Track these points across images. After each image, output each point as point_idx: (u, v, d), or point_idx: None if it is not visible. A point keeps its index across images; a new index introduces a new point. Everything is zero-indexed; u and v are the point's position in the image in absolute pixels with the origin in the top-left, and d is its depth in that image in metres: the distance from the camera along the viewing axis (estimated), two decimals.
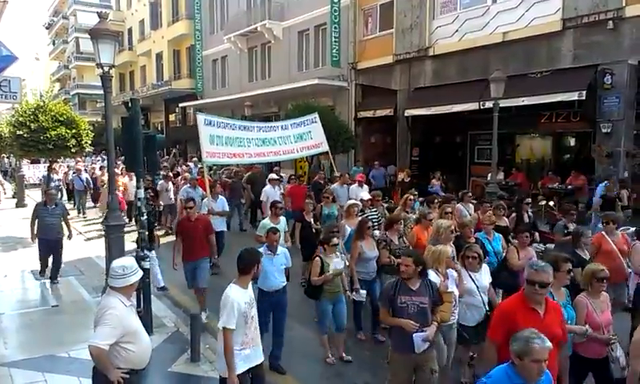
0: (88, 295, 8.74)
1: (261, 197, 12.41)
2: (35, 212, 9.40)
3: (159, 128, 38.63)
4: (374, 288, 6.98)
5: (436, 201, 9.33)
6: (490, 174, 13.72)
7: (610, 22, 12.48)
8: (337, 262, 6.34)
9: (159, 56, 37.53)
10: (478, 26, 15.73)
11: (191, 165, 21.29)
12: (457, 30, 16.41)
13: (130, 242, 8.72)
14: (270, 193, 12.02)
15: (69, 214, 9.88)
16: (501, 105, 12.35)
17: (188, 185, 12.33)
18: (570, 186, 14.37)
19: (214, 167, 16.31)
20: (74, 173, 18.16)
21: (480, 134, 17.98)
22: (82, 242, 13.91)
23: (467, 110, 15.52)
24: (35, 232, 9.35)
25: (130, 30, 42.81)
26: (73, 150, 13.68)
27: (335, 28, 20.79)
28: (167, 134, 35.35)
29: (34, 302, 8.68)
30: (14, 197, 20.34)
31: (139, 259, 6.69)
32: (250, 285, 4.65)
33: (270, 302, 6.16)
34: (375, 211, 9.06)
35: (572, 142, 17.14)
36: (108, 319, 3.90)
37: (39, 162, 21.48)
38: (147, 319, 6.82)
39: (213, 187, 10.74)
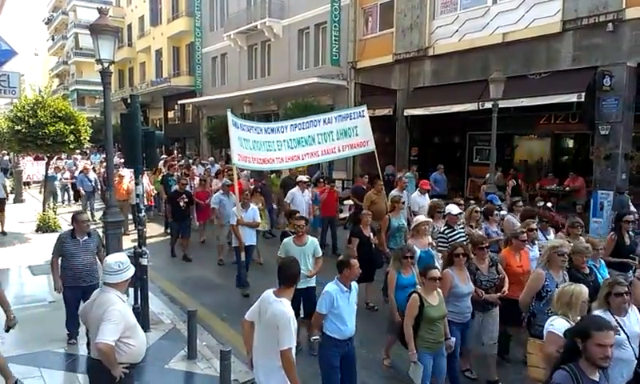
0: None
1: (286, 198, 11.69)
2: (59, 246, 6.38)
3: (158, 125, 38.63)
4: (467, 334, 5.63)
5: (495, 212, 8.25)
6: (488, 175, 13.74)
7: (610, 24, 12.50)
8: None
9: (159, 53, 37.50)
10: (478, 26, 15.74)
11: (207, 164, 20.72)
12: (457, 31, 16.42)
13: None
14: (297, 196, 11.38)
15: (104, 247, 6.95)
16: (500, 106, 12.36)
17: (221, 191, 11.18)
18: (567, 188, 14.43)
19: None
20: (80, 172, 17.53)
21: (479, 134, 18.00)
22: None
23: (466, 110, 15.54)
24: (60, 276, 6.43)
25: (129, 27, 42.76)
26: (71, 146, 13.62)
27: (335, 27, 20.79)
28: (166, 131, 35.33)
29: (31, 297, 8.65)
30: (11, 192, 20.31)
31: (138, 256, 6.71)
32: None
33: (341, 353, 4.88)
34: (463, 229, 7.45)
35: (570, 143, 17.17)
36: (111, 316, 3.92)
37: (43, 159, 20.94)
38: (144, 316, 6.83)
39: (244, 195, 9.63)
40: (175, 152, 31.66)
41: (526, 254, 6.31)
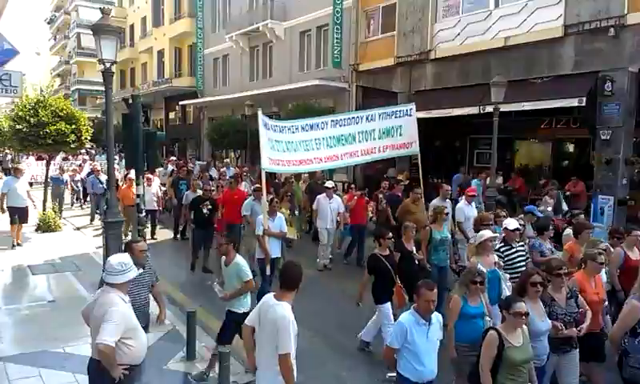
0: (85, 291, 8.71)
1: (314, 205, 11.33)
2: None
3: (159, 126, 38.67)
4: (542, 378, 4.67)
5: (551, 227, 7.40)
6: (488, 179, 13.71)
7: (612, 29, 12.47)
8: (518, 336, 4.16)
9: (160, 53, 37.54)
10: (479, 30, 15.72)
11: (222, 167, 20.17)
12: (458, 34, 16.41)
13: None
14: (323, 203, 10.99)
15: (157, 280, 5.76)
16: (501, 110, 12.34)
17: (252, 197, 10.20)
18: (568, 193, 14.41)
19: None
20: (89, 173, 17.20)
21: (480, 138, 17.98)
22: (79, 236, 13.92)
23: (467, 114, 15.52)
24: None
25: (131, 27, 42.83)
26: (72, 146, 13.67)
27: (337, 29, 20.79)
28: (167, 132, 35.38)
29: (31, 297, 8.65)
30: None
31: None
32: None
33: None
34: (523, 246, 6.72)
35: (571, 148, 17.16)
36: (113, 316, 3.92)
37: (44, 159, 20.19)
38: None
39: (271, 203, 8.81)
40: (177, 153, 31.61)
41: (601, 279, 5.57)
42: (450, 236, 8.24)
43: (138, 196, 7.22)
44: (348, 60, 20.71)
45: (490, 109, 12.68)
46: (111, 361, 3.90)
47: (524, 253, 6.57)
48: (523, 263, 6.38)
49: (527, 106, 13.63)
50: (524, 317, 4.09)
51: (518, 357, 4.04)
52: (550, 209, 11.42)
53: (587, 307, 4.98)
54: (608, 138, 12.80)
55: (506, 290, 5.84)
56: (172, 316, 7.82)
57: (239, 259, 5.95)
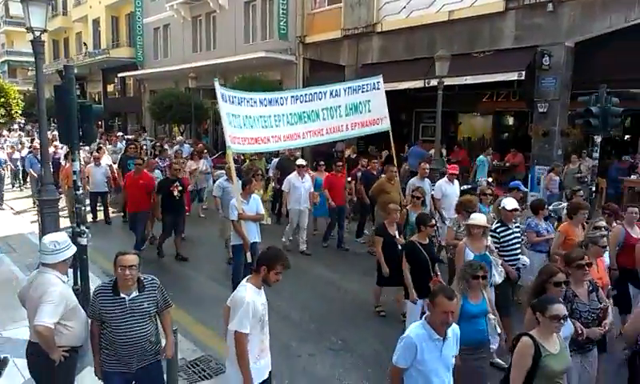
0: (21, 273, 8.31)
1: (283, 186, 10.52)
2: (95, 306, 3.90)
3: (96, 99, 36.98)
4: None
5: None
6: (433, 151, 14.02)
7: (550, 4, 12.89)
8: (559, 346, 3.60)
9: (96, 22, 35.69)
10: (424, 3, 15.85)
11: (181, 146, 17.96)
12: (404, 7, 16.48)
13: None
14: (295, 183, 10.23)
15: (166, 303, 4.23)
16: (445, 83, 12.56)
17: (224, 177, 9.47)
18: (508, 164, 15.00)
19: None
20: (29, 152, 15.78)
21: (425, 111, 18.29)
22: (13, 216, 13.23)
23: (413, 87, 15.71)
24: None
25: None
26: (2, 121, 12.86)
27: None
28: (105, 106, 33.87)
29: None
30: None
31: (76, 235, 6.41)
32: (263, 288, 3.93)
33: None
34: (519, 227, 6.37)
35: (511, 120, 17.79)
36: (51, 297, 3.78)
37: None
38: (85, 297, 6.57)
39: (247, 184, 7.88)
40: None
41: (603, 263, 5.28)
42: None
43: (74, 173, 6.86)
44: (295, 32, 20.41)
45: (434, 82, 12.87)
46: (50, 343, 3.78)
47: (519, 234, 6.28)
48: (518, 245, 6.14)
49: (469, 79, 13.94)
50: (562, 321, 3.52)
51: (556, 366, 3.48)
52: (556, 189, 11.71)
53: (607, 302, 4.53)
54: (545, 110, 13.33)
55: (496, 276, 5.42)
56: None
57: None
